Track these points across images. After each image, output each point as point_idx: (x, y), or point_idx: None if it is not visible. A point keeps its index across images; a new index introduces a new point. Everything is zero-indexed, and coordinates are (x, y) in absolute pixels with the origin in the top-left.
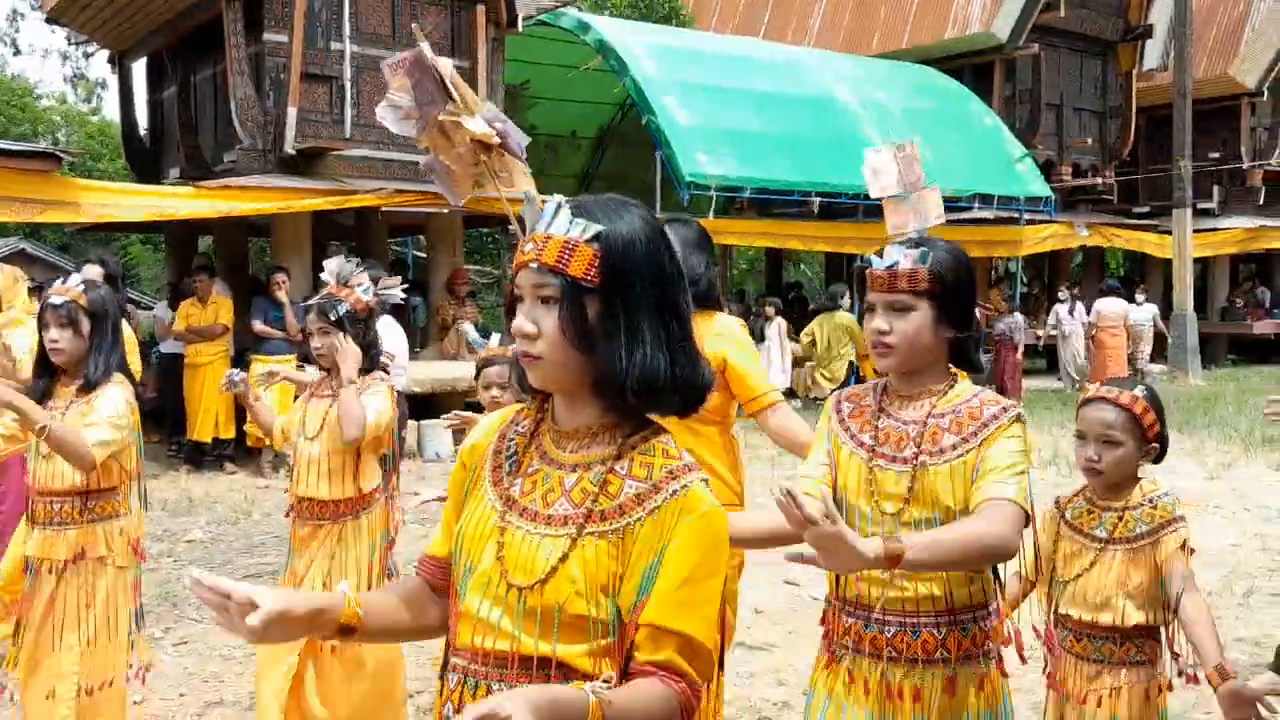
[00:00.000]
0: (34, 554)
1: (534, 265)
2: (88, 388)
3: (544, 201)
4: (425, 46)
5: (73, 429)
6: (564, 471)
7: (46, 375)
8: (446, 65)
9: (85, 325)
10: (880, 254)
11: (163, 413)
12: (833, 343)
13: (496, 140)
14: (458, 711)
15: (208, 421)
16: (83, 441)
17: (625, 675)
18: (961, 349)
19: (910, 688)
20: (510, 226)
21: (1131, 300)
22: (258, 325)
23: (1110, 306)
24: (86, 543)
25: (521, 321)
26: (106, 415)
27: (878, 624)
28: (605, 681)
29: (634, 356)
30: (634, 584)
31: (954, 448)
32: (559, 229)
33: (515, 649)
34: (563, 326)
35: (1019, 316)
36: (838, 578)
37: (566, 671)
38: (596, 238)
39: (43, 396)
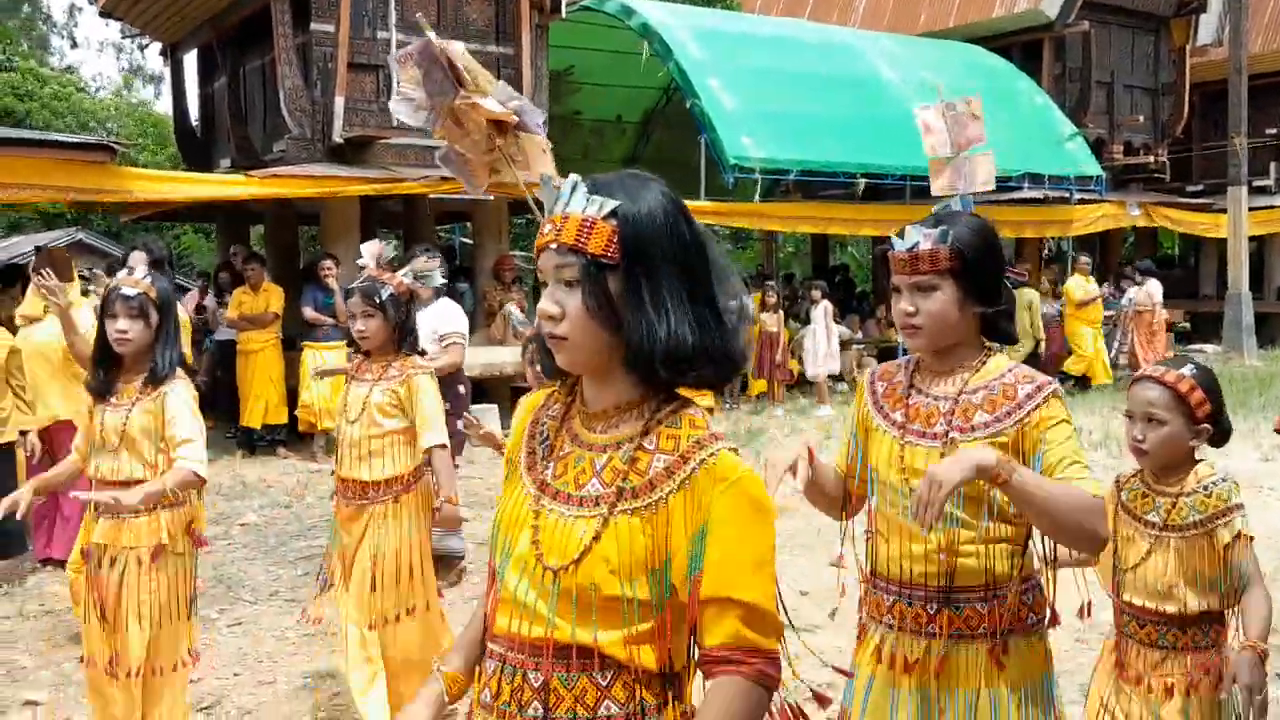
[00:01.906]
0: (97, 540)
1: (553, 246)
2: (154, 382)
3: (559, 185)
4: (432, 35)
5: (177, 472)
6: (594, 452)
7: (105, 368)
8: (458, 48)
9: (154, 317)
10: (901, 235)
11: (217, 399)
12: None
13: (514, 119)
14: (495, 698)
15: (258, 407)
16: (191, 474)
17: (697, 664)
18: (992, 322)
19: (954, 662)
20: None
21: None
22: (308, 312)
23: (1156, 287)
24: (150, 531)
25: (545, 304)
26: (193, 430)
27: (919, 600)
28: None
29: (660, 330)
30: (681, 561)
31: (986, 425)
32: (576, 207)
33: (550, 634)
34: (586, 305)
35: None
36: (879, 556)
37: (603, 662)
38: (614, 213)
39: (106, 392)
